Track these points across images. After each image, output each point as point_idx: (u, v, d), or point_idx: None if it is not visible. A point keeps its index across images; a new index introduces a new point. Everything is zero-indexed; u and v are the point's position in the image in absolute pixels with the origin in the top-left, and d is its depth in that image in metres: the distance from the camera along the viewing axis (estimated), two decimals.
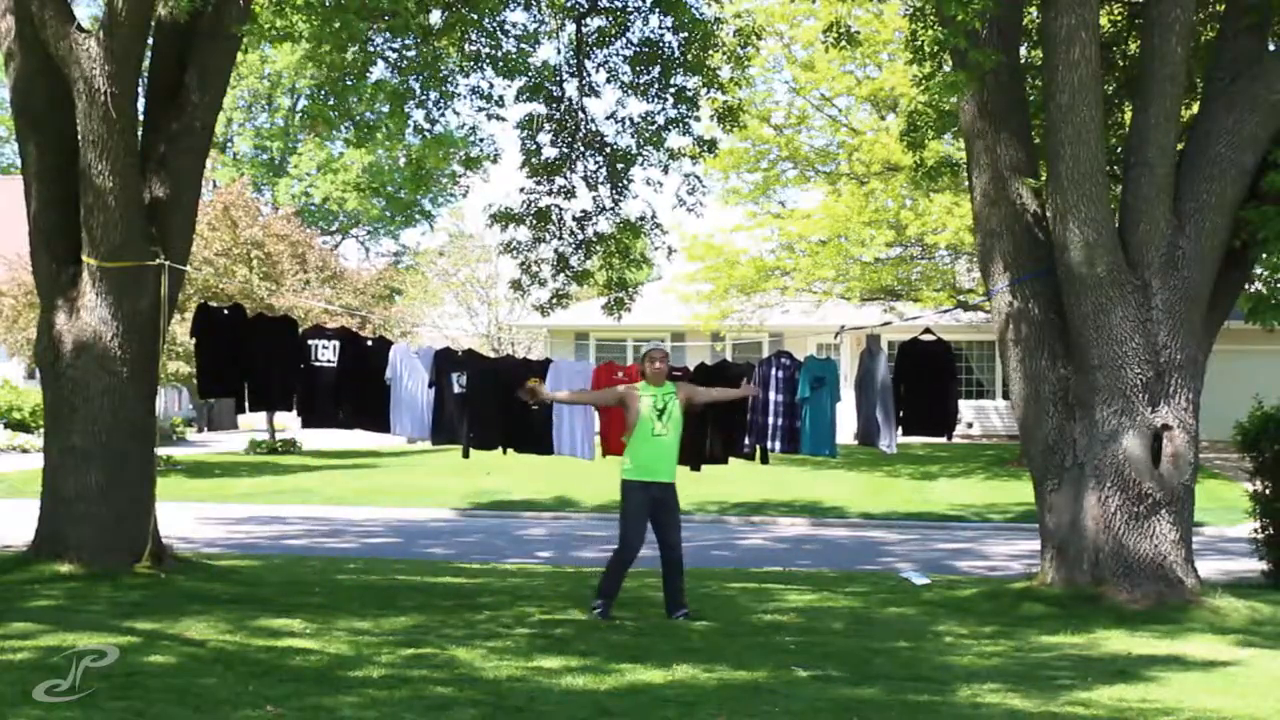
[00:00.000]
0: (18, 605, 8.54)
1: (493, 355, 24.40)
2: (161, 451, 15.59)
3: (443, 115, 13.70)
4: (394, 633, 7.91)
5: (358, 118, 12.78)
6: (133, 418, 10.25)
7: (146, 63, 10.66)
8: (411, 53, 12.91)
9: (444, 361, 10.98)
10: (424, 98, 13.25)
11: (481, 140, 14.58)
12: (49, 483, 10.32)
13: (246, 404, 10.99)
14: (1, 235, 30.05)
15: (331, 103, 11.66)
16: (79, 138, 9.84)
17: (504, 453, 11.13)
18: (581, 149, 14.45)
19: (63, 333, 10.20)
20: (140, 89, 10.58)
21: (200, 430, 43.44)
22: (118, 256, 10.03)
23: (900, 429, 11.09)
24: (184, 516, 17.24)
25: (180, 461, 26.64)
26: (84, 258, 10.11)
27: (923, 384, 11.15)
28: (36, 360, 10.83)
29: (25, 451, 28.44)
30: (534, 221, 14.64)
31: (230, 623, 8.05)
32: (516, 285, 15.37)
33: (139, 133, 10.38)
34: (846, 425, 11.22)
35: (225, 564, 11.62)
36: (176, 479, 22.93)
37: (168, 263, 10.32)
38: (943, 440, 11.68)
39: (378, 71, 13.18)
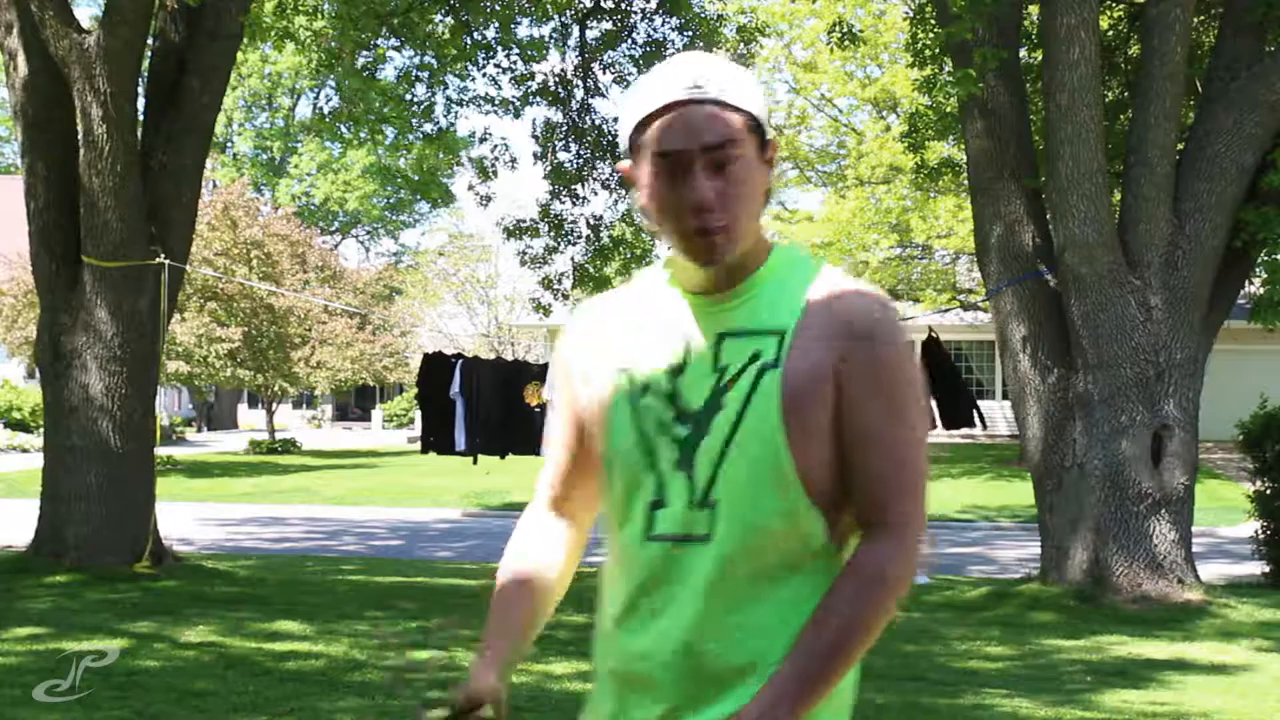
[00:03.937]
0: (18, 605, 8.54)
1: (493, 357, 24.39)
2: (161, 451, 15.61)
3: (451, 119, 13.75)
4: (395, 634, 7.90)
5: (373, 117, 12.82)
6: (133, 418, 10.24)
7: (146, 63, 10.66)
8: (418, 58, 12.97)
9: (465, 370, 10.98)
10: (431, 101, 13.31)
11: (495, 146, 14.58)
12: (49, 483, 10.31)
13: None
14: (1, 235, 30.04)
15: (339, 109, 11.72)
16: (79, 137, 9.84)
17: (502, 457, 11.11)
18: (592, 152, 14.46)
19: (62, 333, 10.19)
20: (140, 89, 10.58)
21: (200, 430, 43.44)
22: (118, 256, 10.03)
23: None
24: (184, 516, 17.24)
25: (180, 461, 26.65)
26: (84, 257, 10.11)
27: (941, 380, 11.24)
28: (36, 360, 10.84)
29: (25, 451, 28.45)
30: (551, 231, 14.63)
31: (230, 624, 8.05)
32: (541, 308, 15.34)
33: (139, 133, 10.38)
34: None
35: (225, 565, 11.61)
36: (176, 479, 22.94)
37: (168, 262, 10.32)
38: (952, 437, 11.74)
39: (388, 71, 13.27)
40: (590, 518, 2.05)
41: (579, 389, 1.93)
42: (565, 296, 15.23)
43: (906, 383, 1.83)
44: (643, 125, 1.78)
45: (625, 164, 1.86)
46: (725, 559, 1.79)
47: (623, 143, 1.85)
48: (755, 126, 1.78)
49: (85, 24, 9.99)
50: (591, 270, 14.76)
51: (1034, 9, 10.91)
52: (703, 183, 1.74)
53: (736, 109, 1.77)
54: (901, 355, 1.82)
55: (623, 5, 14.12)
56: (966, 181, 12.43)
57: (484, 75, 13.79)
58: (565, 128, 14.42)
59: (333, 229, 50.97)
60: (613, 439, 1.86)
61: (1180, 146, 9.93)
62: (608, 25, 14.25)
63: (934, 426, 11.18)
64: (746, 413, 1.79)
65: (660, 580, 1.82)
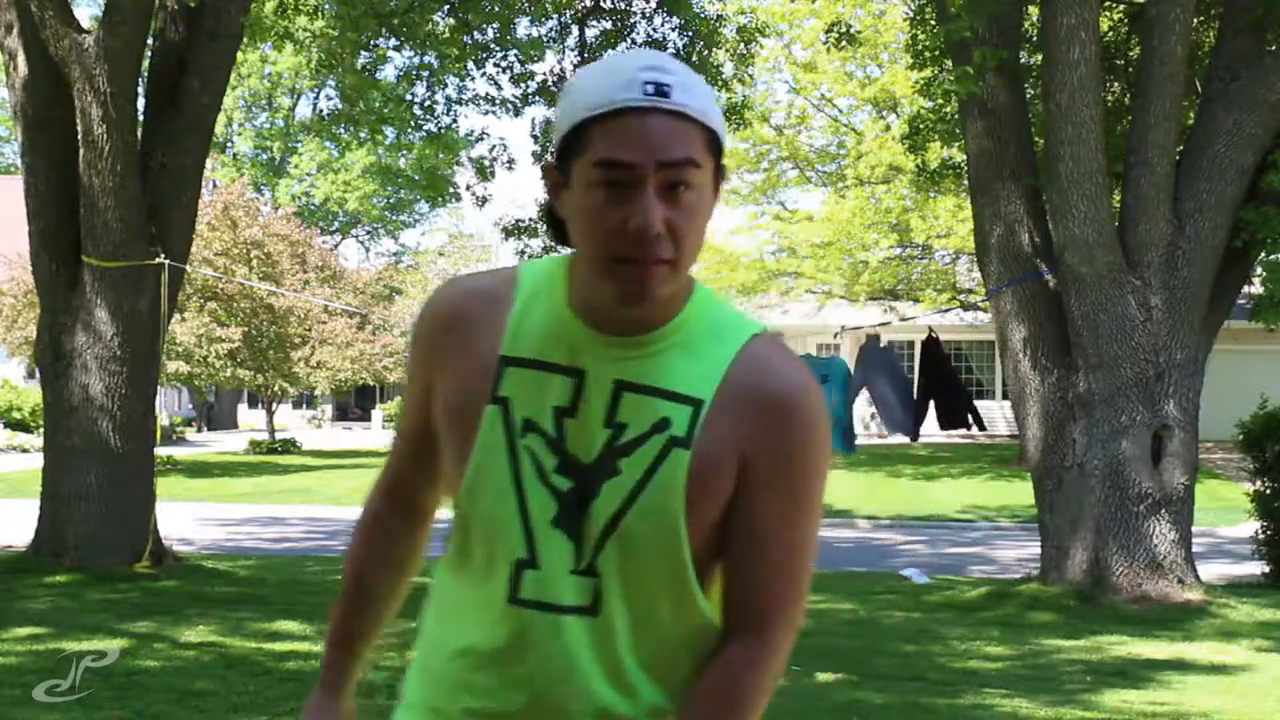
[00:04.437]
0: (18, 606, 8.54)
1: None
2: (161, 451, 15.61)
3: (452, 118, 13.78)
4: (393, 635, 7.89)
5: (373, 117, 12.84)
6: (133, 418, 10.24)
7: (146, 63, 10.67)
8: (418, 58, 13.00)
9: None
10: (432, 101, 13.32)
11: (493, 146, 14.61)
12: (49, 483, 10.31)
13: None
14: (1, 235, 30.03)
15: (339, 110, 11.76)
16: (79, 137, 9.84)
17: None
18: None
19: (62, 333, 10.19)
20: (140, 89, 10.58)
21: (200, 430, 43.43)
22: (118, 256, 10.03)
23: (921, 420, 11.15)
24: (184, 516, 17.24)
25: (180, 461, 26.64)
26: (84, 257, 10.11)
27: (939, 380, 11.20)
28: (36, 360, 10.84)
29: (25, 451, 28.44)
30: (549, 231, 14.70)
31: (230, 624, 8.04)
32: None
33: (139, 133, 10.38)
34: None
35: (225, 565, 11.61)
36: (176, 479, 22.94)
37: (168, 262, 10.32)
38: (951, 437, 11.75)
39: (388, 71, 13.32)
40: (436, 503, 1.82)
41: (434, 389, 1.64)
42: None
43: (816, 475, 1.60)
44: (587, 124, 1.49)
45: (551, 163, 1.56)
46: (615, 636, 1.60)
47: (556, 138, 1.54)
48: (715, 148, 1.52)
49: (85, 24, 9.99)
50: None
51: (1034, 9, 10.92)
52: (653, 205, 1.47)
53: (700, 124, 1.50)
54: (818, 445, 1.59)
55: (622, 5, 14.13)
56: (966, 182, 12.45)
57: (484, 75, 13.81)
58: None
59: (333, 229, 50.97)
60: (482, 477, 1.59)
61: (1180, 146, 9.93)
62: (607, 25, 14.27)
63: (915, 437, 11.07)
64: (647, 489, 1.56)
65: (531, 647, 1.60)
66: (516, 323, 1.60)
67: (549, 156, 1.56)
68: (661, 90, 1.48)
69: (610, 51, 14.24)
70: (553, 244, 14.77)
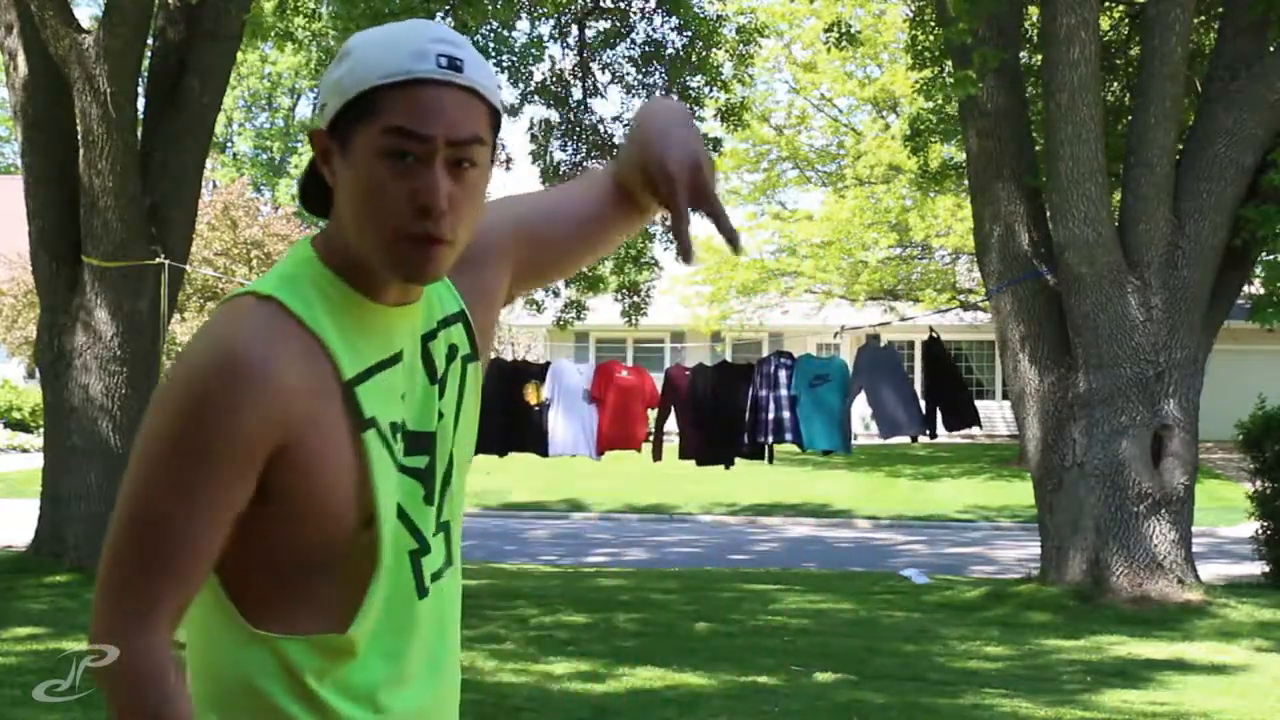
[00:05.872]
0: (18, 606, 8.54)
1: (492, 357, 24.35)
2: None
3: None
4: None
5: None
6: (133, 418, 10.23)
7: (146, 63, 10.67)
8: None
9: None
10: None
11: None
12: (49, 483, 10.31)
13: None
14: (1, 235, 30.02)
15: None
16: (79, 137, 9.84)
17: (501, 456, 11.09)
18: (588, 151, 14.49)
19: (62, 333, 10.20)
20: (140, 89, 10.58)
21: None
22: (118, 256, 10.03)
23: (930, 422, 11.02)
24: None
25: None
26: (84, 257, 10.11)
27: (943, 381, 11.10)
28: (36, 360, 10.83)
29: (25, 451, 28.43)
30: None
31: None
32: (532, 301, 15.46)
33: (139, 133, 10.38)
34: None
35: None
36: None
37: (168, 262, 10.32)
38: (952, 437, 11.65)
39: None
40: None
41: (283, 457, 1.45)
42: (556, 294, 15.28)
43: None
44: (378, 91, 1.44)
45: (322, 128, 1.48)
46: (459, 575, 1.63)
47: (334, 102, 1.47)
48: (496, 126, 1.51)
49: (85, 24, 9.99)
50: (585, 269, 14.80)
51: (1034, 9, 10.92)
52: (442, 180, 1.44)
53: (487, 102, 1.48)
54: None
55: (622, 4, 14.13)
56: (966, 182, 12.44)
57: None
58: (562, 127, 14.45)
59: None
60: (387, 505, 1.50)
61: (1180, 146, 9.93)
62: (606, 24, 14.27)
63: (919, 436, 10.92)
64: (460, 417, 1.62)
65: (436, 628, 1.59)
66: (337, 343, 1.48)
67: (318, 122, 1.47)
68: (455, 64, 1.45)
69: (609, 51, 14.24)
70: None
